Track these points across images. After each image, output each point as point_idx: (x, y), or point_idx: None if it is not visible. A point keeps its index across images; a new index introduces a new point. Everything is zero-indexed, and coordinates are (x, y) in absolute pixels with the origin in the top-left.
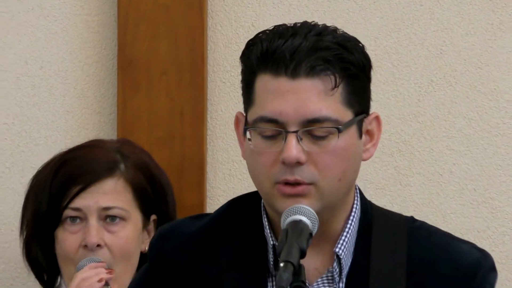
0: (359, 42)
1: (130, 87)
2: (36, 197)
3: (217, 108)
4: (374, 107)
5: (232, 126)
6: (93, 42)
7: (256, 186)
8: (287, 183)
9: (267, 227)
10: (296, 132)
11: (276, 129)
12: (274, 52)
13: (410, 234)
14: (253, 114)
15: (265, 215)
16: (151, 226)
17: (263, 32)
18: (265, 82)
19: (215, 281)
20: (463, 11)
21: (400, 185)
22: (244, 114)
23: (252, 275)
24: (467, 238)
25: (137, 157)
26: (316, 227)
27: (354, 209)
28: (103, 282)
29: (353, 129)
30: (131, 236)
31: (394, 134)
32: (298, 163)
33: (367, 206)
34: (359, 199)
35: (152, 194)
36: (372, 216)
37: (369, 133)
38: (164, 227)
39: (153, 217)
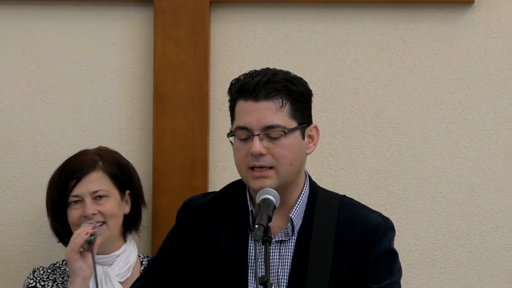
0: (302, 79)
1: (161, 112)
2: (51, 191)
3: (216, 126)
4: None
5: (225, 137)
6: (138, 83)
7: (238, 172)
8: (256, 168)
9: (249, 200)
10: (258, 135)
11: (247, 134)
12: (245, 86)
13: (340, 206)
14: (234, 126)
15: (248, 193)
16: (127, 197)
17: (242, 74)
18: (240, 105)
19: (215, 234)
20: (371, 67)
21: (331, 176)
22: None
23: (239, 229)
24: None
25: (110, 156)
26: (278, 202)
27: (304, 188)
28: (88, 234)
29: (297, 133)
30: (113, 204)
31: (327, 144)
32: (261, 154)
33: (314, 187)
34: (308, 181)
35: (123, 178)
36: (317, 194)
37: (310, 137)
38: (187, 199)
39: (127, 191)
